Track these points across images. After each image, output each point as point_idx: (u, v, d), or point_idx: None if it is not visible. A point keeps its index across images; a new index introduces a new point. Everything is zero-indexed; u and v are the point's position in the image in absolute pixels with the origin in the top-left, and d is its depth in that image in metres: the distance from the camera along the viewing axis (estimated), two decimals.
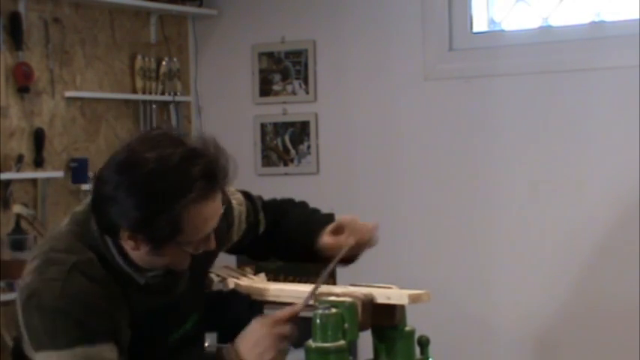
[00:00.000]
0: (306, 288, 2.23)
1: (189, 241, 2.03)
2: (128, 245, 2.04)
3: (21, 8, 4.37)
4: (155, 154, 1.98)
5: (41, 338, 2.02)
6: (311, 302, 2.14)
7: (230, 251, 2.47)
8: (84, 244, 2.08)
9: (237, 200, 2.40)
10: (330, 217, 2.47)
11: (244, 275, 2.40)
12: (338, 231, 2.38)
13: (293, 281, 2.48)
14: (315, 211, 2.55)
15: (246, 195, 2.46)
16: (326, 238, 2.38)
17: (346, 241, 2.34)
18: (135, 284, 2.10)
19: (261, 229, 2.45)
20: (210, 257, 2.26)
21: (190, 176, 1.98)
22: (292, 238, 2.44)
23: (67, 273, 2.02)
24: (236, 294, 2.28)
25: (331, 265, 2.25)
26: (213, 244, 2.09)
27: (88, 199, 2.14)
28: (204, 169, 2.01)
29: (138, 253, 2.05)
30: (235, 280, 2.35)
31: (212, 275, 2.40)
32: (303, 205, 2.56)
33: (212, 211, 2.04)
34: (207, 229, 2.05)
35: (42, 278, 2.04)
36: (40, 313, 2.02)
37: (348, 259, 2.37)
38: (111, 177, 2.00)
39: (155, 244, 2.02)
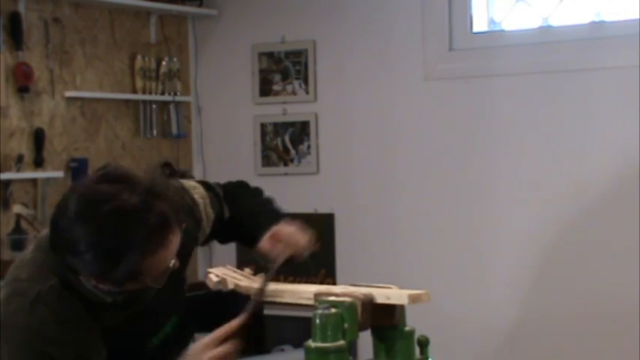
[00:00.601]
0: (306, 288, 2.23)
1: (147, 278, 2.02)
2: (90, 283, 2.03)
3: (21, 8, 4.37)
4: (110, 204, 1.95)
5: None
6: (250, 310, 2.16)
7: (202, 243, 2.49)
8: (48, 270, 2.06)
9: (199, 194, 2.40)
10: (277, 215, 2.47)
11: (244, 275, 2.40)
12: (275, 238, 2.38)
13: (293, 281, 2.47)
14: (268, 202, 2.57)
15: (207, 185, 2.46)
16: (264, 243, 2.38)
17: (281, 253, 2.34)
18: (102, 302, 2.07)
19: (227, 215, 2.45)
20: (184, 259, 2.26)
21: (145, 228, 1.96)
22: (239, 226, 2.46)
23: (30, 305, 2.02)
24: (236, 294, 2.28)
25: (267, 278, 2.28)
26: (176, 264, 2.08)
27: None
28: (159, 217, 1.98)
29: (103, 286, 2.04)
30: (235, 281, 2.35)
31: (211, 275, 2.40)
32: (258, 192, 2.58)
33: (169, 253, 2.03)
34: (166, 266, 2.04)
35: (7, 310, 2.03)
36: (7, 344, 2.00)
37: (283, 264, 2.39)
38: (69, 227, 1.98)
39: (117, 285, 2.01)
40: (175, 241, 2.04)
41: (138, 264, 1.97)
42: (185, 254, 2.25)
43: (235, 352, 2.11)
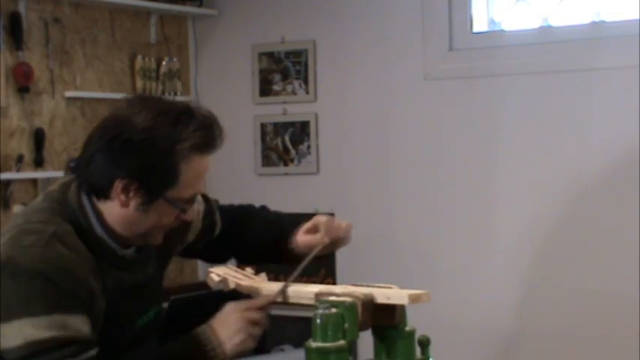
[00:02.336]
0: (305, 288, 2.23)
1: (178, 197, 2.08)
2: (118, 201, 2.06)
3: (21, 8, 4.37)
4: (153, 110, 2.07)
5: (12, 306, 1.96)
6: (279, 299, 2.22)
7: (184, 254, 2.50)
8: (61, 217, 2.08)
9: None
10: (299, 219, 2.51)
11: (245, 275, 2.40)
12: (313, 230, 2.43)
13: (293, 281, 2.47)
14: (281, 213, 2.60)
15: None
16: (301, 237, 2.43)
17: (322, 239, 2.39)
18: (109, 257, 2.11)
19: (217, 231, 2.47)
20: (166, 256, 2.33)
21: (190, 125, 2.07)
22: (263, 238, 2.49)
23: (47, 241, 2.01)
24: (237, 294, 2.28)
25: (306, 261, 2.32)
26: (191, 217, 2.17)
27: (61, 181, 2.19)
28: (204, 121, 2.11)
29: (124, 212, 2.08)
30: (236, 280, 2.35)
31: (213, 275, 2.40)
32: (266, 208, 2.59)
33: (205, 167, 2.12)
34: (197, 188, 2.12)
35: (19, 246, 2.01)
36: (13, 279, 1.97)
37: (322, 255, 2.43)
38: (109, 130, 2.06)
39: (148, 196, 2.06)
40: (209, 161, 2.12)
41: (177, 162, 2.04)
42: (169, 252, 2.31)
43: (266, 323, 2.18)
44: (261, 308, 2.18)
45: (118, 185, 2.05)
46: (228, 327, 2.12)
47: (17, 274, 1.97)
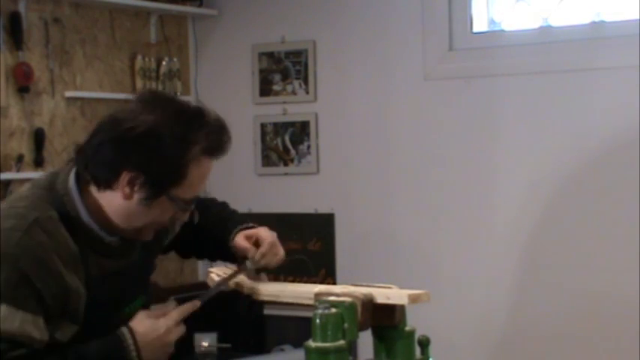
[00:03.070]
0: (306, 288, 2.23)
1: (180, 197, 2.10)
2: (122, 193, 2.07)
3: (21, 8, 4.37)
4: (168, 108, 2.09)
5: None
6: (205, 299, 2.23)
7: (166, 250, 2.50)
8: (47, 203, 2.08)
9: None
10: (245, 219, 2.51)
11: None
12: (252, 240, 2.41)
13: (293, 281, 2.48)
14: (235, 211, 2.59)
15: None
16: (240, 240, 2.42)
17: (255, 258, 2.37)
18: (94, 244, 2.11)
19: (196, 219, 2.47)
20: (155, 246, 2.33)
21: (204, 127, 2.10)
22: (211, 234, 2.48)
23: (28, 226, 2.01)
24: (237, 294, 2.28)
25: (230, 276, 2.33)
26: (186, 217, 2.19)
27: (50, 171, 2.21)
28: (216, 125, 2.13)
29: (126, 204, 2.08)
30: (236, 280, 2.35)
31: (213, 275, 2.40)
32: (224, 204, 2.60)
33: (208, 171, 2.13)
34: (198, 190, 2.14)
35: (1, 228, 2.02)
36: None
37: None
38: (121, 122, 2.06)
39: (152, 191, 2.06)
40: (211, 168, 2.14)
41: (188, 161, 2.06)
42: (159, 245, 2.31)
43: (178, 334, 2.15)
44: (176, 318, 2.17)
45: (125, 177, 2.06)
46: (152, 351, 2.12)
47: None
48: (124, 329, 2.11)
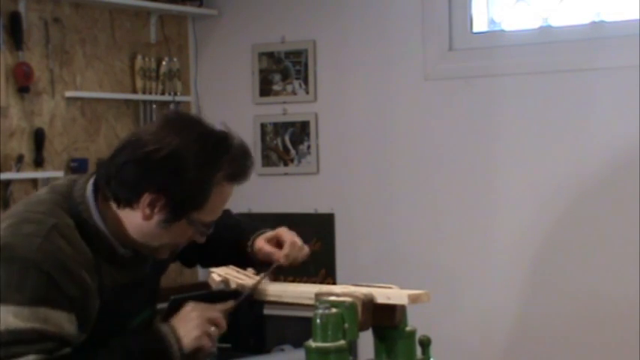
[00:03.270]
0: (306, 288, 2.23)
1: (200, 220, 2.10)
2: (142, 213, 2.06)
3: (21, 8, 4.37)
4: (193, 132, 2.08)
5: (1, 291, 1.95)
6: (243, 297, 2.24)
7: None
8: (64, 210, 2.08)
9: None
10: (258, 224, 2.52)
11: (246, 275, 2.40)
12: (274, 242, 2.42)
13: (293, 281, 2.48)
14: (239, 218, 2.59)
15: None
16: (263, 245, 2.42)
17: (282, 258, 2.38)
18: (108, 255, 2.11)
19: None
20: (165, 262, 2.33)
21: (228, 153, 2.10)
22: (224, 241, 2.46)
23: (47, 232, 2.01)
24: (238, 294, 2.28)
25: (260, 279, 2.33)
26: (204, 239, 2.17)
27: (69, 177, 2.20)
28: (242, 150, 2.14)
29: (145, 224, 2.08)
30: (237, 280, 2.35)
31: (214, 275, 2.40)
32: (228, 211, 2.59)
33: (229, 196, 2.13)
34: (217, 215, 2.14)
35: (18, 233, 2.01)
36: (8, 264, 1.97)
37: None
38: (146, 143, 2.05)
39: (173, 214, 2.06)
40: (231, 192, 2.14)
41: (211, 186, 2.06)
42: (168, 258, 2.30)
43: (223, 326, 2.16)
44: (220, 310, 2.18)
45: (146, 199, 2.05)
46: (186, 323, 2.12)
47: (13, 260, 1.97)
48: (164, 327, 2.12)
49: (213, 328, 2.14)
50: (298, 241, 2.42)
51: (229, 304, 2.20)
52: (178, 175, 2.04)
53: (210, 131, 2.12)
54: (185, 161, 2.04)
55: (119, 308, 2.15)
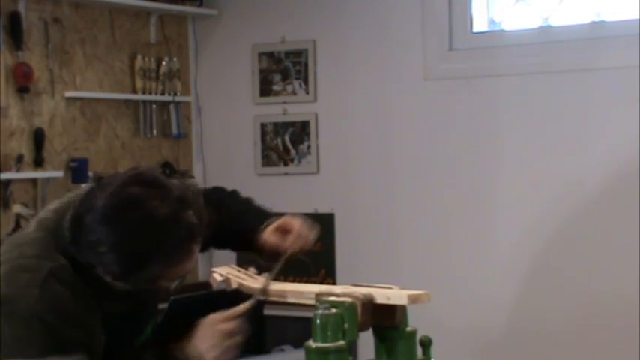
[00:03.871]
0: (306, 288, 2.23)
1: (166, 283, 2.05)
2: (106, 277, 2.02)
3: (21, 8, 4.37)
4: (140, 211, 1.94)
5: (8, 349, 1.93)
6: (260, 297, 2.22)
7: None
8: (55, 250, 2.03)
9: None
10: (266, 214, 2.48)
11: (248, 274, 2.40)
12: (281, 230, 2.40)
13: (293, 281, 2.47)
14: (249, 203, 2.54)
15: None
16: (269, 236, 2.39)
17: (290, 246, 2.36)
18: (105, 288, 2.06)
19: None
20: None
21: (172, 240, 1.96)
22: (233, 234, 2.44)
23: (43, 280, 1.97)
24: (239, 294, 2.28)
25: (275, 270, 2.31)
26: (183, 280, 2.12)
27: (53, 206, 2.12)
28: (187, 229, 1.98)
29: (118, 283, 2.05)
30: (239, 280, 2.35)
31: (215, 274, 2.40)
32: (236, 194, 2.55)
33: (191, 262, 2.04)
34: (186, 272, 2.06)
35: (15, 285, 1.98)
36: (10, 321, 1.94)
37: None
38: (94, 225, 1.96)
39: (132, 286, 2.02)
40: (197, 250, 2.04)
41: (160, 272, 1.98)
42: None
43: (244, 331, 2.14)
44: (234, 318, 2.15)
45: (98, 271, 2.01)
46: (201, 343, 2.10)
47: (14, 316, 1.95)
48: (181, 343, 2.11)
49: (232, 340, 2.12)
50: (304, 227, 2.40)
51: (241, 308, 2.17)
52: (122, 269, 1.97)
53: (154, 217, 1.94)
54: (126, 257, 1.95)
55: (123, 333, 2.14)
